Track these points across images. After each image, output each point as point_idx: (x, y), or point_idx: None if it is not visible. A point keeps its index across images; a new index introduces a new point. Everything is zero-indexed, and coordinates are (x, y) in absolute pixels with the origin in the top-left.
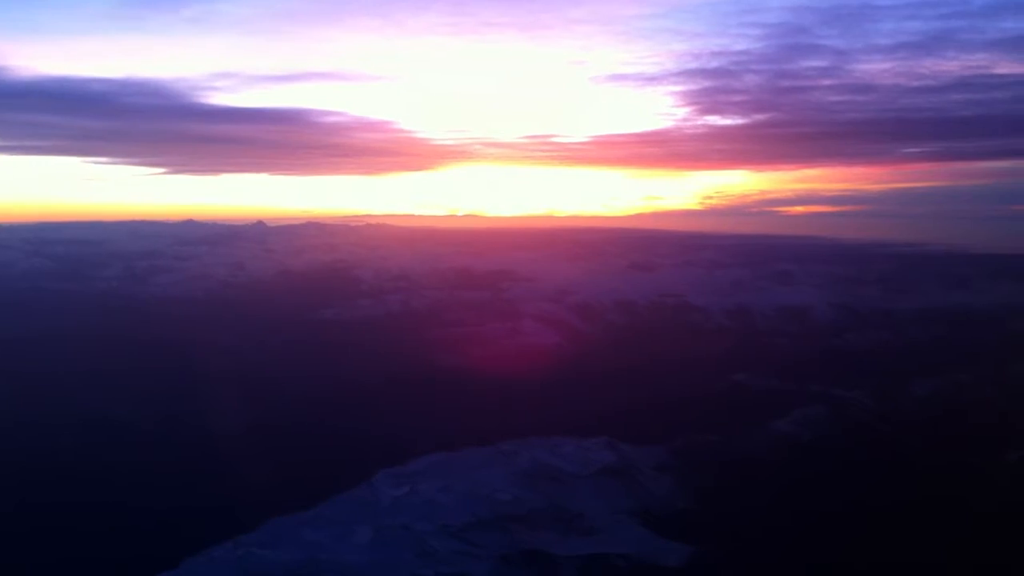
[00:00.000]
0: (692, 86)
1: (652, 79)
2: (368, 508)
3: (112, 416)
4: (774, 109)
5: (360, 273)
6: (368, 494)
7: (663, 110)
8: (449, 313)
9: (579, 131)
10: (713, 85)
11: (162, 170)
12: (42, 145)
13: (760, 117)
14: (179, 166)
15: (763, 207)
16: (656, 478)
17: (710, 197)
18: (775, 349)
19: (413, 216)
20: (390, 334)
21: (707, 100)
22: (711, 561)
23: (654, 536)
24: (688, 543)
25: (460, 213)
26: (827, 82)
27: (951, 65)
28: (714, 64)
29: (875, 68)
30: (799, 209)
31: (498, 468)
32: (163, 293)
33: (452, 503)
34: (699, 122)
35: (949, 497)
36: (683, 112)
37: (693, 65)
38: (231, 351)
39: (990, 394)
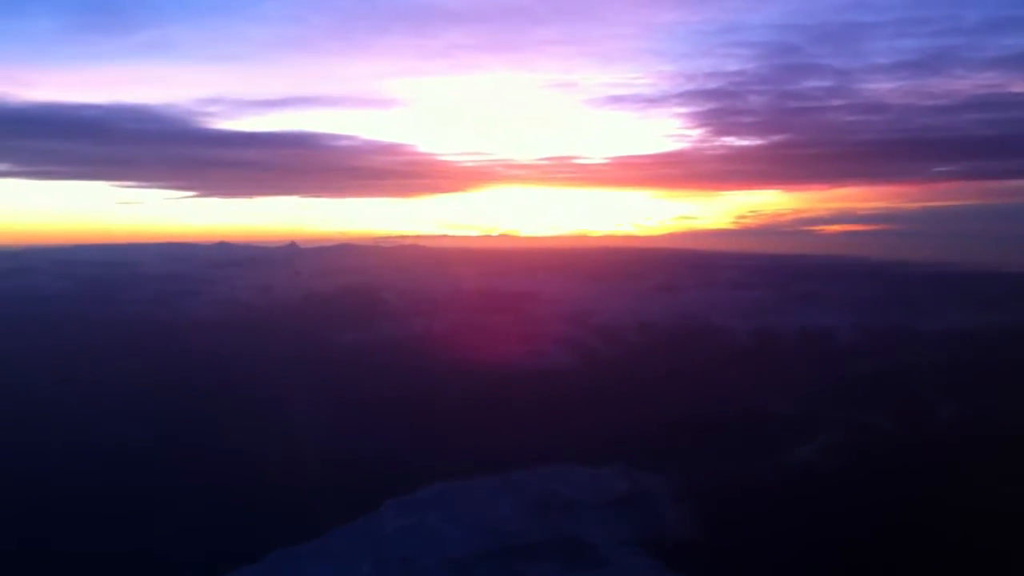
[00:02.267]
0: (697, 107)
1: (652, 101)
2: (372, 539)
3: (120, 441)
4: (790, 130)
5: (385, 295)
6: (373, 524)
7: (673, 132)
8: (470, 336)
9: (595, 152)
10: (719, 107)
11: (192, 193)
12: (63, 171)
13: (777, 138)
14: (207, 190)
15: (797, 226)
16: (671, 507)
17: (743, 217)
18: (797, 373)
19: (447, 237)
20: (408, 358)
21: (718, 121)
22: None
23: (664, 569)
24: None
25: (495, 233)
26: (836, 102)
27: (962, 84)
28: (712, 85)
29: (882, 88)
30: (833, 228)
31: (507, 497)
32: (188, 316)
33: (458, 534)
34: (717, 143)
35: (972, 531)
36: (697, 133)
37: (690, 87)
38: (245, 376)
39: (1016, 420)
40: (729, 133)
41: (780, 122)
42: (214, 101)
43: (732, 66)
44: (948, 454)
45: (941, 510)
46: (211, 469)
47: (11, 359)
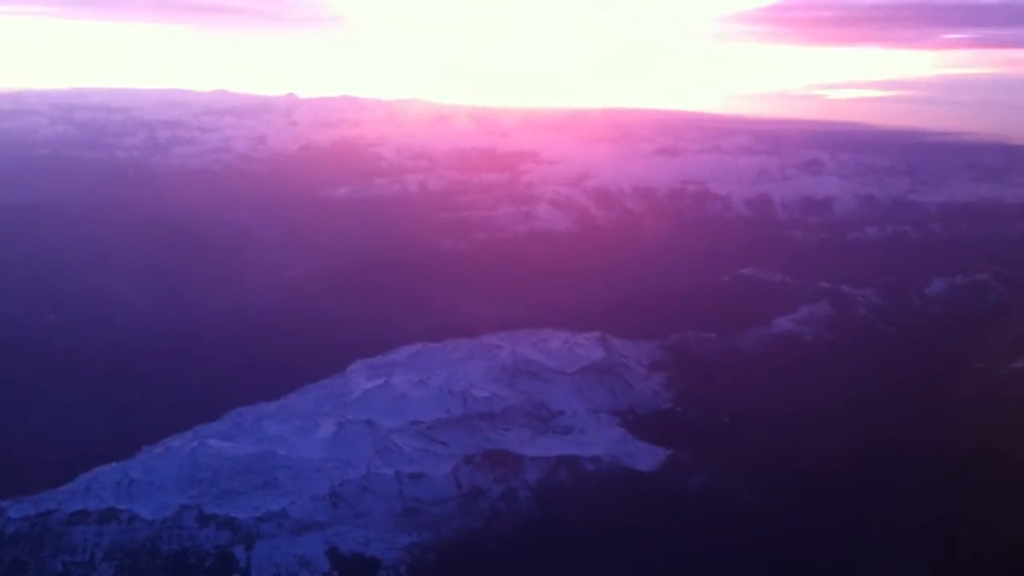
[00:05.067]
0: None
1: None
2: (337, 401)
3: (97, 290)
4: None
5: (381, 150)
6: (340, 385)
7: None
8: (464, 195)
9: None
10: None
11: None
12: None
13: None
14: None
15: (810, 90)
16: (645, 376)
17: (753, 79)
18: (790, 242)
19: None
20: (399, 216)
21: None
22: (683, 466)
23: (631, 438)
24: (666, 446)
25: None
26: None
27: None
28: None
29: None
30: (846, 94)
31: (479, 362)
32: (181, 165)
33: (425, 398)
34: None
35: (945, 406)
36: None
37: None
38: (232, 229)
39: (1006, 295)
40: None
41: None
42: None
43: None
44: (933, 329)
45: (914, 386)
46: (185, 323)
47: (8, 207)
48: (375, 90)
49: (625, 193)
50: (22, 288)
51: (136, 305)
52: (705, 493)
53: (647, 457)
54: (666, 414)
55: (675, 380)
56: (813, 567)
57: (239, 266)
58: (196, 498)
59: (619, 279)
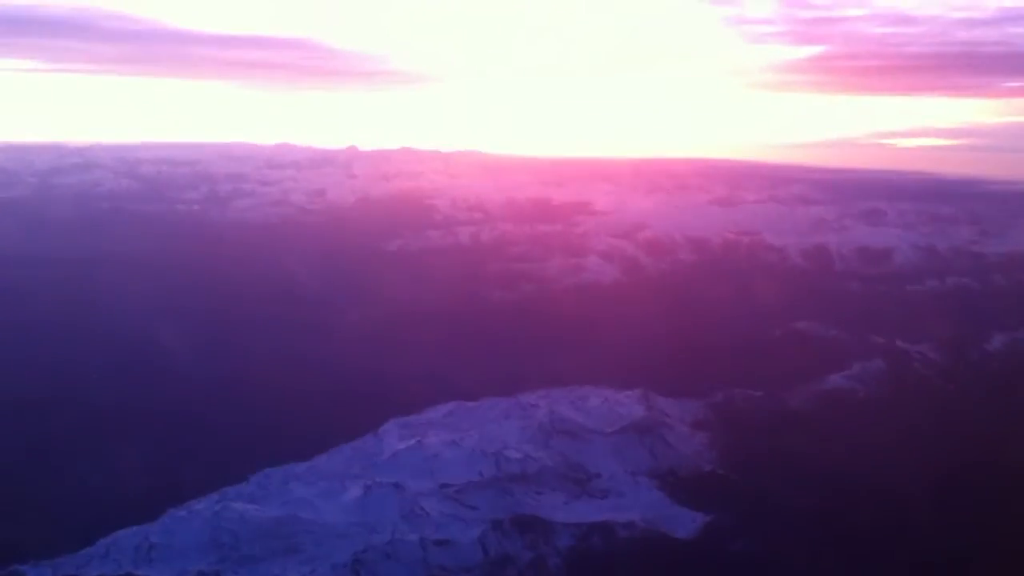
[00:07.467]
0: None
1: None
2: (366, 461)
3: (149, 345)
4: (825, 41)
5: (437, 202)
6: (371, 445)
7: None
8: (516, 247)
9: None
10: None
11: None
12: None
13: (820, 48)
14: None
15: (873, 139)
16: (687, 436)
17: (812, 128)
18: (846, 294)
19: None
20: (448, 268)
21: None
22: (723, 532)
23: (670, 503)
24: (706, 511)
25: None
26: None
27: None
28: None
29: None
30: (909, 143)
31: (514, 422)
32: (239, 218)
33: (457, 459)
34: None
35: (1003, 467)
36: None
37: None
38: (282, 282)
39: None
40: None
41: (810, 33)
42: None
43: None
44: (991, 386)
45: (973, 450)
46: (230, 379)
47: (63, 261)
48: (433, 141)
49: (678, 244)
50: (74, 341)
51: (185, 359)
52: (744, 560)
53: (685, 522)
54: (708, 476)
55: (719, 440)
56: None
57: (287, 320)
58: (215, 564)
59: (667, 333)
